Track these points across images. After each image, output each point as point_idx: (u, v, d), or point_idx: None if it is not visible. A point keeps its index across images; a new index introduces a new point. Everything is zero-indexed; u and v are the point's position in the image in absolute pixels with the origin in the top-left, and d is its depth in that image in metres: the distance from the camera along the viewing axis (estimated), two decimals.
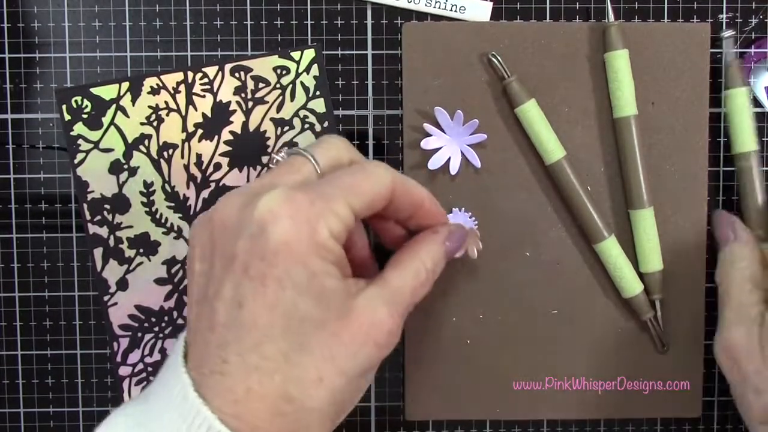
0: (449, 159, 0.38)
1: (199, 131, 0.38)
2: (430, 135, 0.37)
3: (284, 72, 0.38)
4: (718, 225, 0.38)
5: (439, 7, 0.38)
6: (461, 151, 0.37)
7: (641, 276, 0.38)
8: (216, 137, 0.38)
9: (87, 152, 0.38)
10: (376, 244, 0.35)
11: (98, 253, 0.38)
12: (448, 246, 0.33)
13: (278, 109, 0.38)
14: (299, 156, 0.30)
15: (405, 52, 0.38)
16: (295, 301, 0.27)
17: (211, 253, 0.28)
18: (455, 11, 0.38)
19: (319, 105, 0.38)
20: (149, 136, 0.38)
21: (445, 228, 0.33)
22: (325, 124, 0.38)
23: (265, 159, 0.38)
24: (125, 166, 0.38)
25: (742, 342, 0.34)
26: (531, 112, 0.37)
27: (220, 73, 0.38)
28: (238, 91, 0.38)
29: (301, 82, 0.38)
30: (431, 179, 0.38)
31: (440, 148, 0.37)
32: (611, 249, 0.37)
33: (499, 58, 0.37)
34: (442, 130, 0.37)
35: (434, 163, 0.37)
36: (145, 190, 0.38)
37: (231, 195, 0.29)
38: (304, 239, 0.27)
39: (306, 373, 0.27)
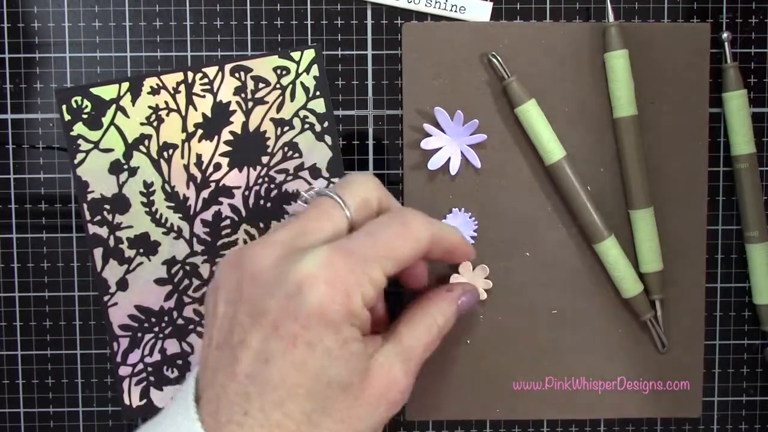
0: (449, 159, 0.38)
1: (199, 131, 0.38)
2: (430, 135, 0.37)
3: (284, 72, 0.38)
4: None
5: (439, 7, 0.38)
6: (461, 152, 0.37)
7: (641, 276, 0.38)
8: (216, 137, 0.38)
9: (87, 152, 0.38)
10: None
11: (98, 253, 0.38)
12: (460, 305, 0.34)
13: (278, 110, 0.38)
14: (329, 199, 0.30)
15: (405, 52, 0.38)
16: (324, 366, 0.27)
17: (237, 298, 0.28)
18: (455, 11, 0.38)
19: (319, 105, 0.38)
20: (149, 136, 0.38)
21: (459, 287, 0.35)
22: (325, 124, 0.38)
23: (265, 159, 0.38)
24: (125, 166, 0.38)
25: None
26: (531, 112, 0.37)
27: (220, 73, 0.38)
28: (238, 91, 0.38)
29: (301, 83, 0.38)
30: (431, 179, 0.38)
31: (440, 148, 0.37)
32: (611, 249, 0.37)
33: (499, 58, 0.37)
34: (442, 131, 0.37)
35: (434, 163, 0.37)
36: (145, 190, 0.38)
37: (265, 245, 0.29)
38: (339, 307, 0.27)
39: None
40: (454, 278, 0.38)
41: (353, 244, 0.29)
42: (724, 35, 0.38)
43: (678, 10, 0.38)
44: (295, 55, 0.38)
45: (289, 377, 0.27)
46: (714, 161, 0.39)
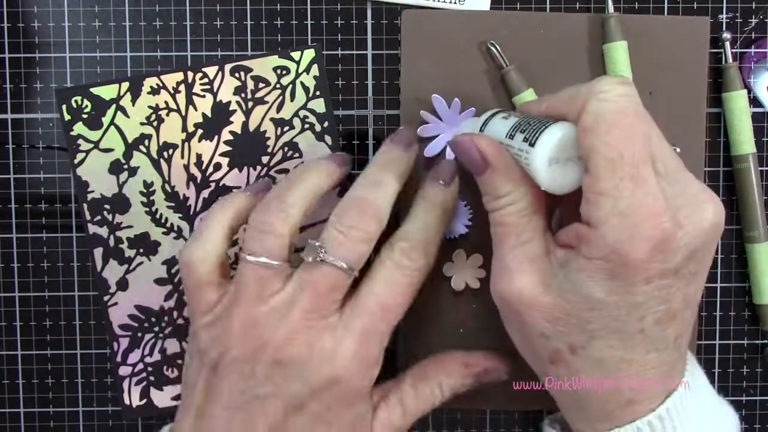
0: (446, 147, 0.38)
1: (199, 131, 0.38)
2: (427, 122, 0.37)
3: (284, 72, 0.38)
4: (461, 155, 0.32)
5: (439, 0, 0.38)
6: None
7: None
8: (216, 137, 0.38)
9: (87, 152, 0.38)
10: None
11: (98, 253, 0.38)
12: (473, 380, 0.35)
13: (278, 109, 0.38)
14: (336, 270, 0.31)
15: (404, 40, 0.38)
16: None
17: (252, 374, 0.30)
18: (455, 3, 0.38)
19: (319, 105, 0.38)
20: (149, 136, 0.38)
21: (476, 360, 0.35)
22: (325, 124, 0.38)
23: (265, 159, 0.38)
24: (125, 166, 0.38)
25: (527, 293, 0.29)
26: None
27: (220, 73, 0.38)
28: (238, 91, 0.38)
29: (301, 82, 0.38)
30: (427, 167, 0.38)
31: (437, 135, 0.37)
32: None
33: (497, 47, 0.37)
34: (440, 118, 0.37)
35: (431, 150, 0.37)
36: (145, 190, 0.38)
37: (290, 332, 0.30)
38: (364, 389, 0.31)
39: None
40: (447, 267, 0.38)
41: (374, 324, 0.31)
42: (724, 35, 0.38)
43: (678, 11, 0.38)
44: (295, 55, 0.38)
45: None
46: (714, 161, 0.39)
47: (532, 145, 0.29)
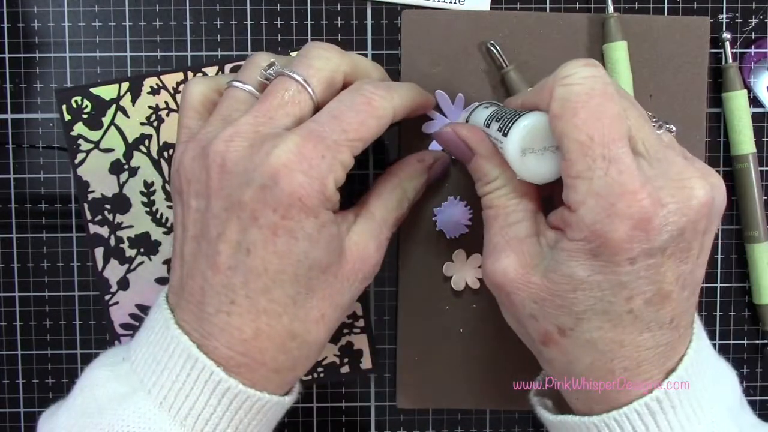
0: None
1: None
2: (431, 119, 0.37)
3: None
4: (446, 145, 0.33)
5: (440, 0, 0.38)
6: None
7: None
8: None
9: (87, 152, 0.38)
10: None
11: (99, 252, 0.38)
12: (431, 174, 0.35)
13: None
14: (293, 82, 0.29)
15: (404, 39, 0.38)
16: (306, 251, 0.28)
17: (208, 191, 0.29)
18: (455, 3, 0.38)
19: None
20: (149, 136, 0.38)
21: (430, 155, 0.35)
22: None
23: None
24: (125, 166, 0.38)
25: (513, 271, 0.29)
26: None
27: (220, 73, 0.38)
28: None
29: None
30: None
31: None
32: None
33: (497, 47, 0.37)
34: (444, 114, 0.37)
35: (435, 146, 0.37)
36: (145, 190, 0.38)
37: (232, 136, 0.28)
38: (316, 194, 0.28)
39: (310, 313, 0.29)
40: (447, 267, 0.38)
41: (322, 128, 0.28)
42: (724, 35, 0.38)
43: (678, 11, 0.38)
44: (295, 54, 0.38)
45: (272, 265, 0.28)
46: (714, 161, 0.39)
47: (505, 134, 0.29)
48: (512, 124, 0.29)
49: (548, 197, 0.32)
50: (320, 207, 0.28)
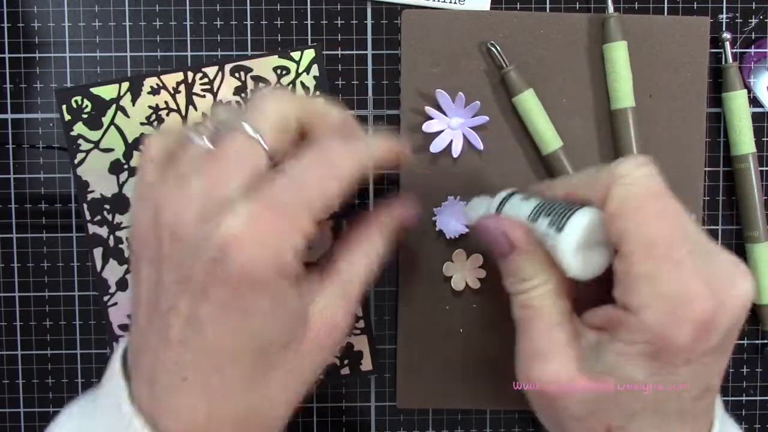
0: (451, 142, 0.37)
1: None
2: (432, 118, 0.37)
3: (284, 72, 0.38)
4: (487, 238, 0.31)
5: (440, 0, 0.38)
6: (463, 134, 0.37)
7: None
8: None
9: (87, 152, 0.38)
10: None
11: (98, 253, 0.38)
12: (403, 224, 0.32)
13: None
14: (243, 136, 0.27)
15: (404, 39, 0.38)
16: (260, 328, 0.26)
17: (160, 260, 0.27)
18: (455, 3, 0.38)
19: None
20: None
21: (397, 205, 0.32)
22: None
23: None
24: (125, 166, 0.38)
25: (563, 377, 0.28)
26: (529, 102, 0.37)
27: (220, 73, 0.38)
28: (238, 91, 0.38)
29: (301, 82, 0.38)
30: (432, 161, 0.38)
31: (441, 131, 0.37)
32: None
33: (497, 47, 0.37)
34: (444, 113, 0.37)
35: (436, 146, 0.37)
36: None
37: (182, 198, 0.26)
38: (269, 265, 0.25)
39: (269, 390, 0.27)
40: (447, 267, 0.38)
41: (277, 193, 0.26)
42: (724, 35, 0.38)
43: (678, 10, 0.38)
44: (295, 55, 0.38)
45: (224, 342, 0.26)
46: (714, 161, 0.39)
47: (559, 230, 0.28)
48: (567, 220, 0.28)
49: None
50: (275, 280, 0.26)
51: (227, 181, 0.26)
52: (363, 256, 0.30)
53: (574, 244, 0.27)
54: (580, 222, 0.27)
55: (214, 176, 0.26)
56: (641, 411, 0.27)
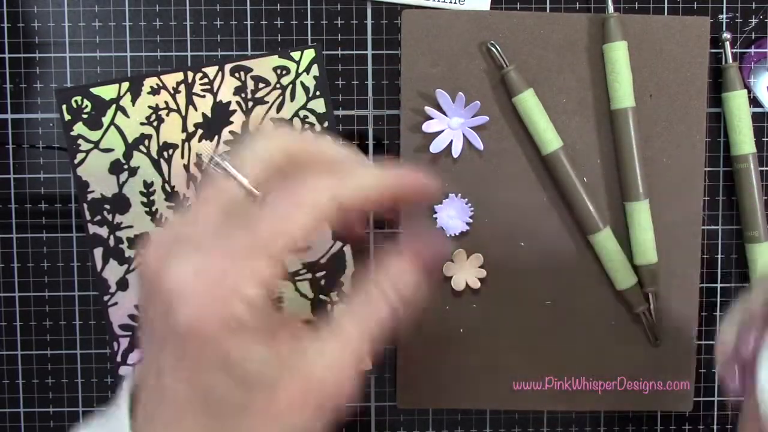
0: (451, 142, 0.37)
1: (199, 131, 0.38)
2: (432, 118, 0.37)
3: (284, 72, 0.38)
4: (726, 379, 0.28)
5: (440, 0, 0.38)
6: (463, 134, 0.38)
7: (635, 268, 0.38)
8: (216, 137, 0.38)
9: (87, 152, 0.38)
10: None
11: (98, 253, 0.38)
12: (424, 267, 0.27)
13: (278, 110, 0.38)
14: (220, 172, 0.26)
15: (404, 39, 0.38)
16: (211, 384, 0.24)
17: (140, 300, 0.26)
18: (455, 3, 0.38)
19: (319, 105, 0.38)
20: (149, 136, 0.38)
21: (425, 251, 0.27)
22: (325, 124, 0.38)
23: None
24: (125, 166, 0.38)
25: None
26: (529, 102, 0.37)
27: (220, 73, 0.38)
28: (238, 91, 0.38)
29: (301, 82, 0.38)
30: (433, 162, 0.38)
31: (442, 131, 0.37)
32: (606, 240, 0.37)
33: (497, 47, 0.37)
34: (444, 113, 0.37)
35: (436, 146, 0.37)
36: (145, 190, 0.38)
37: (156, 238, 0.25)
38: (215, 320, 0.23)
39: None
40: (447, 267, 0.38)
41: (232, 235, 0.24)
42: (724, 35, 0.38)
43: (678, 10, 0.38)
44: (295, 55, 0.38)
45: (180, 393, 0.24)
46: (714, 161, 0.39)
47: None
48: None
49: None
50: (223, 335, 0.23)
51: (198, 218, 0.25)
52: (372, 308, 0.26)
53: None
54: None
55: (188, 213, 0.25)
56: None
